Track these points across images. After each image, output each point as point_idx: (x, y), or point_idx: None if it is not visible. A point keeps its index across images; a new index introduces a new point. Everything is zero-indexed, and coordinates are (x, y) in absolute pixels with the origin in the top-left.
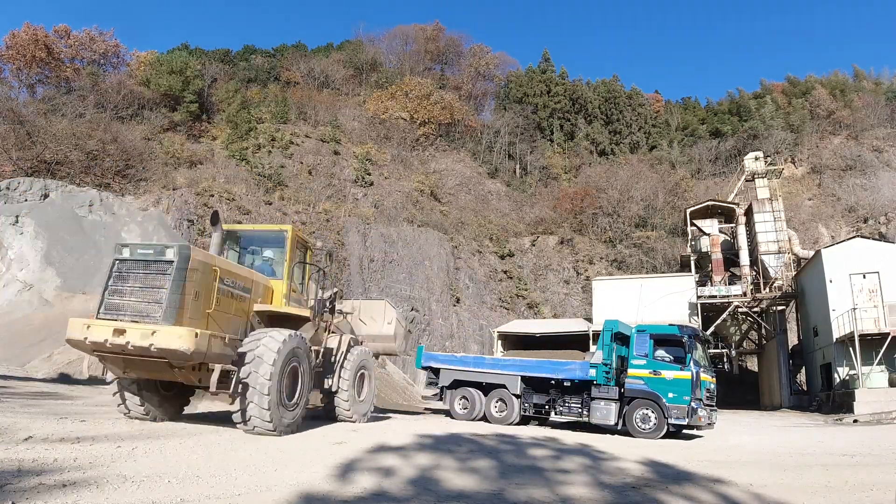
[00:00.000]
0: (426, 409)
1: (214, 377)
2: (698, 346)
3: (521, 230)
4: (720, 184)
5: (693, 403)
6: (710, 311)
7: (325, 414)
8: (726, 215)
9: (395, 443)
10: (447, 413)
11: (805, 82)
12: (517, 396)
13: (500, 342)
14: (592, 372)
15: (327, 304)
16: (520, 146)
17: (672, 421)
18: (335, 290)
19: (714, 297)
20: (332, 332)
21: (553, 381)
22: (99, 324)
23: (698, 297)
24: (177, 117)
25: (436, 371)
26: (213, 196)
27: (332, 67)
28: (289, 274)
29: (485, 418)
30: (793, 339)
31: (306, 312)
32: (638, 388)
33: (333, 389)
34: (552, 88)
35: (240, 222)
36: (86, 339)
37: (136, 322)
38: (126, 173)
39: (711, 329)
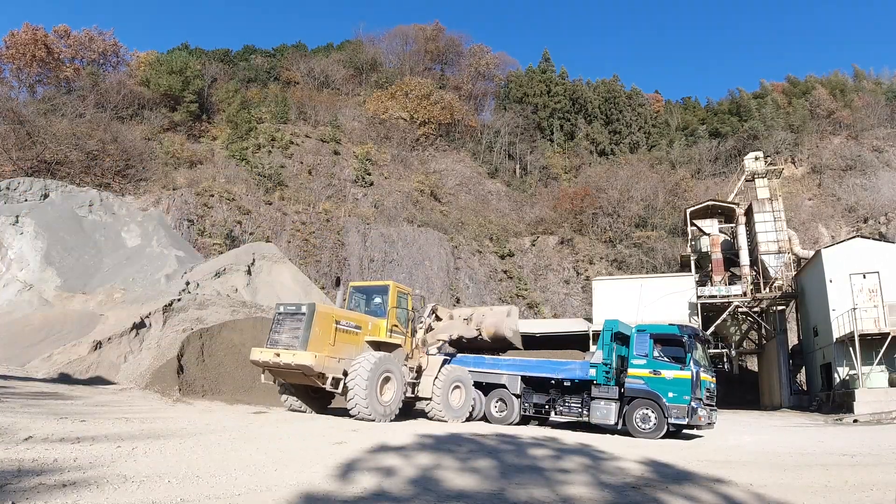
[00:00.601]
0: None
1: (329, 381)
2: (698, 345)
3: (521, 230)
4: (720, 184)
5: (693, 403)
6: (710, 311)
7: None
8: (726, 215)
9: (396, 443)
10: None
11: (805, 82)
12: (517, 396)
13: None
14: (592, 371)
15: (420, 329)
16: (520, 146)
17: (672, 420)
18: (431, 306)
19: (714, 297)
20: (426, 354)
21: (553, 381)
22: (266, 350)
23: (698, 297)
24: (177, 117)
25: None
26: (213, 196)
27: (332, 67)
28: (390, 314)
29: (485, 418)
30: (793, 339)
31: (398, 341)
32: (638, 388)
33: (425, 396)
34: (552, 88)
35: (240, 223)
36: (260, 359)
37: (286, 349)
38: (126, 173)
39: (711, 329)
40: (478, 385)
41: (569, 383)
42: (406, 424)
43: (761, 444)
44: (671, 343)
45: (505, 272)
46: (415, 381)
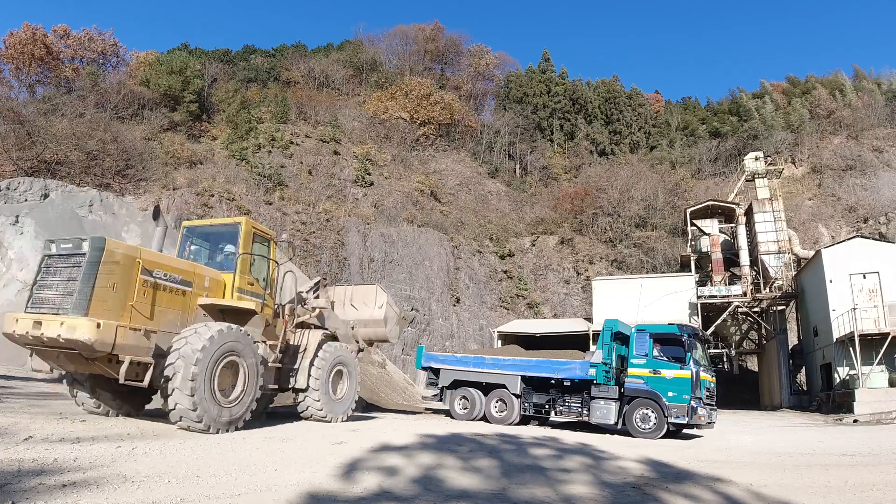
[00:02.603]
0: (426, 408)
1: (123, 368)
2: (698, 345)
3: (521, 230)
4: (720, 184)
5: (693, 402)
6: (710, 311)
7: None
8: (726, 215)
9: (397, 442)
10: (447, 413)
11: (805, 82)
12: (517, 396)
13: (500, 342)
14: (592, 371)
15: (302, 296)
16: (520, 146)
17: (672, 420)
18: (316, 279)
19: (714, 297)
20: (303, 328)
21: (553, 381)
22: (24, 317)
23: (698, 297)
24: (177, 117)
25: (436, 371)
26: (213, 196)
27: (332, 67)
28: (241, 267)
29: (485, 418)
30: (793, 339)
31: (251, 305)
32: (638, 388)
33: (301, 387)
34: (552, 88)
35: None
36: (14, 331)
37: (52, 314)
38: (126, 173)
39: (711, 329)
40: (478, 385)
41: (569, 383)
42: (407, 424)
43: (761, 444)
44: (671, 342)
45: (505, 272)
46: (278, 365)
